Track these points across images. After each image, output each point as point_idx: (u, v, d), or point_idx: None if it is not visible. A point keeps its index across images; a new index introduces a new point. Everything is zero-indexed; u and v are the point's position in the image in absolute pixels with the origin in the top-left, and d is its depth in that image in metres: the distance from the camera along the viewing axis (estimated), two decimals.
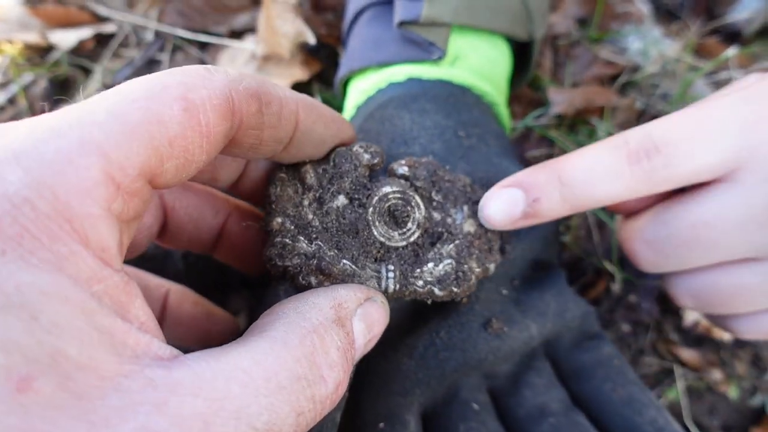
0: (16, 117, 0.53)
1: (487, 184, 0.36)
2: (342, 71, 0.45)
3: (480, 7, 0.42)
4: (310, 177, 0.31)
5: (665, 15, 0.59)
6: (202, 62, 0.56)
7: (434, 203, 0.32)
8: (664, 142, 0.31)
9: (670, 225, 0.33)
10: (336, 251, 0.30)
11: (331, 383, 0.22)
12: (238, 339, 0.22)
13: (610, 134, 0.51)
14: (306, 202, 0.31)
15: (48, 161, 0.19)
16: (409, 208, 0.31)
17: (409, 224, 0.31)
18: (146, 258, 0.43)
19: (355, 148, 0.32)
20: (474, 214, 0.33)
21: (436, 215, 0.32)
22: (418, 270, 0.31)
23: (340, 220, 0.30)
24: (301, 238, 0.30)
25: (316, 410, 0.22)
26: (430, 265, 0.31)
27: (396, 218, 0.31)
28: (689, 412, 0.46)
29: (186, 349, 0.21)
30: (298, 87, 0.53)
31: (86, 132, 0.20)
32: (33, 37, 0.53)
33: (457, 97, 0.41)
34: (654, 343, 0.48)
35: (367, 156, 0.32)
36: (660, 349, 0.48)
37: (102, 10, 0.57)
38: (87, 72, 0.55)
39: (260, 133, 0.26)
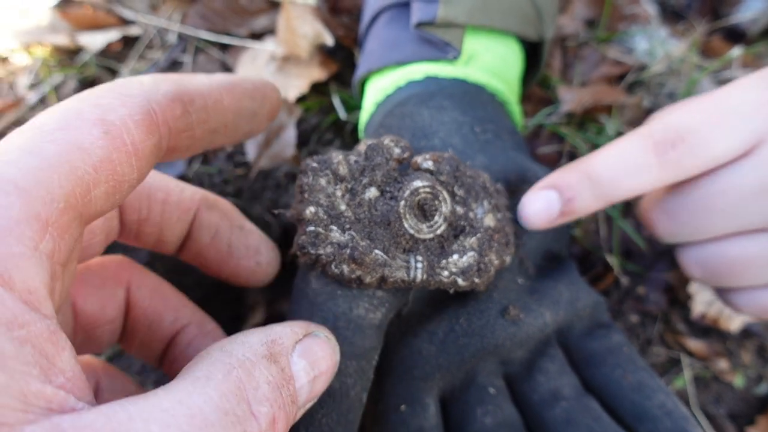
0: None
1: (503, 177, 0.38)
2: (361, 70, 0.46)
3: (493, 8, 0.44)
4: (343, 168, 0.32)
5: (671, 16, 0.60)
6: (224, 63, 0.58)
7: (457, 198, 0.33)
8: (687, 131, 0.32)
9: (688, 195, 0.35)
10: (368, 241, 0.30)
11: (262, 420, 0.21)
12: (162, 386, 0.20)
13: (618, 132, 0.53)
14: (339, 193, 0.31)
15: None
16: (437, 202, 0.32)
17: (436, 217, 0.32)
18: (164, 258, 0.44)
19: (386, 142, 0.33)
20: (493, 208, 0.34)
21: (459, 209, 0.33)
22: (444, 261, 0.32)
23: (372, 211, 0.31)
24: (334, 227, 0.30)
25: None
26: (455, 256, 0.32)
27: (425, 211, 0.32)
28: (696, 400, 0.47)
29: None
30: (316, 87, 0.55)
31: (1, 172, 0.18)
32: (63, 40, 0.55)
33: (472, 95, 0.42)
34: (661, 333, 0.49)
35: (398, 150, 0.33)
36: (667, 339, 0.49)
37: (128, 14, 0.59)
38: (114, 73, 0.58)
39: (192, 133, 0.25)
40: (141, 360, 0.43)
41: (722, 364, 0.49)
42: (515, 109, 0.46)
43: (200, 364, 0.21)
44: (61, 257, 0.20)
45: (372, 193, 0.32)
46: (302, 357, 0.25)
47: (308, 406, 0.26)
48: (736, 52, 0.52)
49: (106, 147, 0.21)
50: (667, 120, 0.33)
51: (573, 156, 0.53)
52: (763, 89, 0.32)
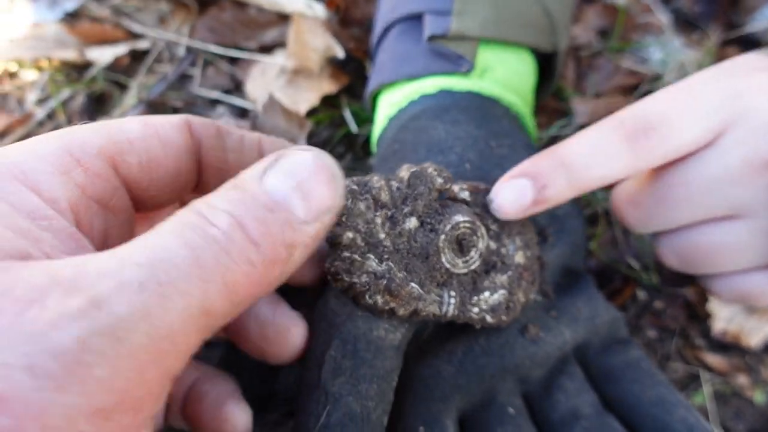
0: (57, 129, 0.55)
1: None
2: (372, 84, 0.46)
3: (506, 20, 0.44)
4: (385, 195, 0.31)
5: (685, 25, 0.60)
6: (233, 76, 0.58)
7: (491, 232, 0.33)
8: (659, 120, 0.32)
9: (655, 186, 0.36)
10: (405, 273, 0.30)
11: (222, 223, 0.19)
12: None
13: None
14: (378, 220, 0.30)
15: (14, 144, 0.22)
16: (475, 237, 0.32)
17: (473, 252, 0.32)
18: None
19: (429, 171, 0.32)
20: (524, 246, 0.34)
21: (492, 244, 0.33)
22: (476, 298, 0.32)
23: (412, 243, 0.31)
24: (371, 255, 0.30)
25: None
26: (486, 294, 0.32)
27: (462, 247, 0.32)
28: (716, 416, 0.47)
29: None
30: (327, 100, 0.55)
31: (54, 132, 0.23)
32: (71, 55, 0.55)
33: (486, 108, 0.42)
34: (680, 348, 0.49)
35: (440, 180, 0.32)
36: (686, 354, 0.49)
37: (136, 27, 0.59)
38: (122, 87, 0.57)
39: (224, 155, 0.28)
40: None
41: (742, 380, 0.48)
42: (529, 121, 0.46)
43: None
44: (95, 192, 0.23)
45: (412, 223, 0.31)
46: (277, 173, 0.22)
47: (323, 223, 0.23)
48: None
49: (142, 131, 0.25)
50: (639, 108, 0.33)
51: None
52: (726, 81, 0.33)
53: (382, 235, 0.30)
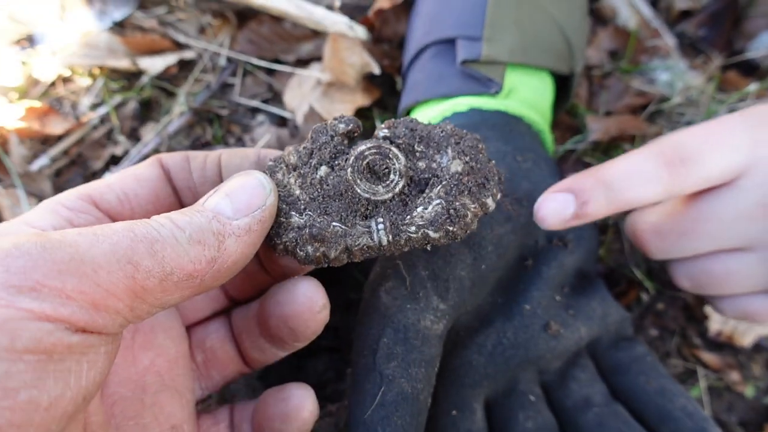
0: (109, 133, 0.59)
1: None
2: (408, 100, 0.50)
3: (531, 47, 0.48)
4: (293, 157, 0.32)
5: (689, 48, 0.64)
6: (270, 86, 0.62)
7: (417, 153, 0.33)
8: (696, 151, 0.37)
9: (677, 219, 0.40)
10: (325, 216, 0.31)
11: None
12: None
13: None
14: (292, 180, 0.32)
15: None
16: (387, 160, 0.31)
17: (391, 175, 0.31)
18: None
19: (330, 121, 0.33)
20: (459, 153, 0.32)
21: (421, 164, 0.32)
22: (408, 217, 0.31)
23: (324, 187, 0.31)
24: (293, 213, 0.31)
25: None
26: (420, 209, 0.31)
27: (377, 173, 0.32)
28: (710, 409, 0.50)
29: None
30: (359, 111, 0.59)
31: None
32: (124, 63, 0.59)
33: (512, 126, 0.46)
34: (679, 347, 0.53)
35: (342, 125, 0.32)
36: (684, 352, 0.52)
37: (180, 38, 0.63)
38: (168, 94, 0.61)
39: (189, 176, 0.33)
40: None
41: (734, 376, 0.52)
42: (548, 138, 0.50)
43: None
44: (80, 223, 0.29)
45: (322, 171, 0.32)
46: (215, 193, 0.29)
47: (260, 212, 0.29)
48: (753, 87, 0.57)
49: (118, 176, 0.32)
50: (678, 139, 0.37)
51: None
52: (750, 128, 0.37)
53: (298, 191, 0.31)
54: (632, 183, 0.37)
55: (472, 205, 0.31)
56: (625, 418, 0.38)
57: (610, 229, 0.55)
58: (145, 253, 0.24)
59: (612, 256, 0.54)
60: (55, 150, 0.57)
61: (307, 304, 0.32)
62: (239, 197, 0.29)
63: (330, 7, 0.59)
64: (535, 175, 0.44)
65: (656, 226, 0.41)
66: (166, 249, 0.25)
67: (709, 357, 0.52)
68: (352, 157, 0.31)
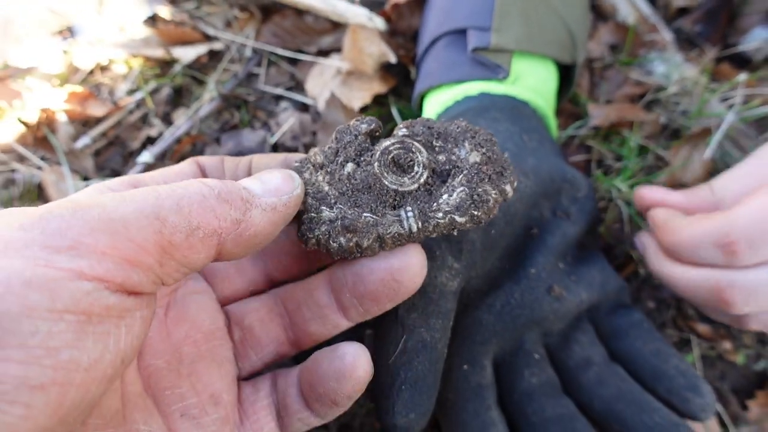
0: (145, 116, 0.64)
1: (549, 176, 0.45)
2: (422, 86, 0.54)
3: (537, 37, 0.52)
4: (319, 157, 0.34)
5: (686, 43, 0.68)
6: (293, 75, 0.66)
7: (437, 148, 0.34)
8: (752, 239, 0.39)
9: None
10: (356, 209, 0.32)
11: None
12: None
13: (638, 144, 0.61)
14: (320, 178, 0.33)
15: None
16: (411, 153, 0.33)
17: (415, 167, 0.33)
18: None
19: (352, 122, 0.35)
20: (476, 146, 0.34)
21: (441, 157, 0.34)
22: (435, 204, 0.32)
23: (352, 181, 0.33)
24: (323, 207, 0.32)
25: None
26: (445, 197, 0.32)
27: (401, 166, 0.33)
28: (703, 376, 0.53)
29: None
30: (376, 98, 0.63)
31: None
32: (159, 53, 0.63)
33: (519, 109, 0.50)
34: (674, 318, 0.55)
35: (364, 126, 0.34)
36: (679, 323, 0.55)
37: (209, 30, 0.67)
38: (198, 82, 0.66)
39: (222, 176, 0.35)
40: None
41: (726, 345, 0.54)
42: (552, 122, 0.54)
43: None
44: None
45: (349, 167, 0.33)
46: (250, 178, 0.31)
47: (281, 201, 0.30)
48: (743, 77, 0.60)
49: (162, 172, 0.33)
50: (744, 223, 0.40)
51: (600, 164, 0.61)
52: None
53: (326, 188, 0.33)
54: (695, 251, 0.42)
55: (493, 192, 0.33)
56: (623, 376, 0.41)
57: (611, 210, 0.59)
58: (171, 209, 0.25)
59: (611, 233, 0.58)
60: (95, 131, 0.61)
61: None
62: (270, 181, 0.30)
63: (351, 1, 0.64)
64: (540, 154, 0.47)
65: (743, 283, 0.41)
66: (192, 204, 0.25)
67: (702, 328, 0.55)
68: (378, 152, 0.33)
